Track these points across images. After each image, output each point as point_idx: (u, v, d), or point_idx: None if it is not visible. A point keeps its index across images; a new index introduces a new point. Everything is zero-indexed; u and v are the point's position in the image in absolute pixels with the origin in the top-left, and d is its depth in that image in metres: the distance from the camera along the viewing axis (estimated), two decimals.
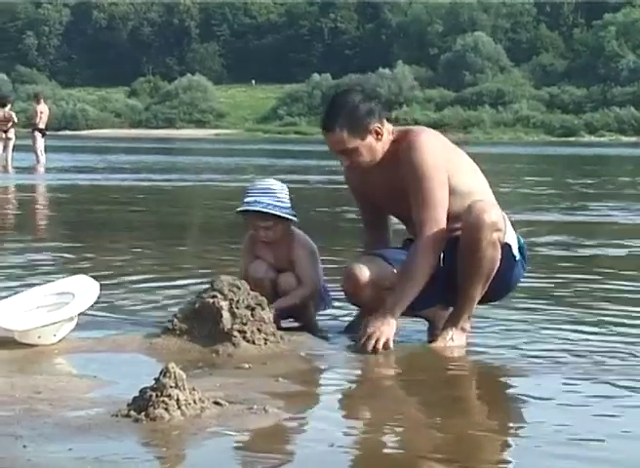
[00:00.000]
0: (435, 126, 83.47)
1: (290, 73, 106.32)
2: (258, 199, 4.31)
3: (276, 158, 30.68)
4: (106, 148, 39.29)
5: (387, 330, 3.96)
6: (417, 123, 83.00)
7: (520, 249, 4.24)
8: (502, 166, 25.50)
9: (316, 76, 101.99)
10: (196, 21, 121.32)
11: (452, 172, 4.08)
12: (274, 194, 4.34)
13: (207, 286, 4.03)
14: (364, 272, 4.13)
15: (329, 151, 4.19)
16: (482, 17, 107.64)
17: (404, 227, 4.40)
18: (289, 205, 4.37)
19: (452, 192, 4.07)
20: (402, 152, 4.06)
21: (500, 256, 4.04)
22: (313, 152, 35.62)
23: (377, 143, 4.11)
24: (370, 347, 3.92)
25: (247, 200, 4.34)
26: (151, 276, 6.11)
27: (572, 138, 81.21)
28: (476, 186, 4.17)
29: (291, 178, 15.43)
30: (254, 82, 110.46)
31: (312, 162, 27.15)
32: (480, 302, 4.26)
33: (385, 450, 2.79)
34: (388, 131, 4.15)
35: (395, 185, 4.09)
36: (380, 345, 3.93)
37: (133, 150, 36.39)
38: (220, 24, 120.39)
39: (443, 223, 4.00)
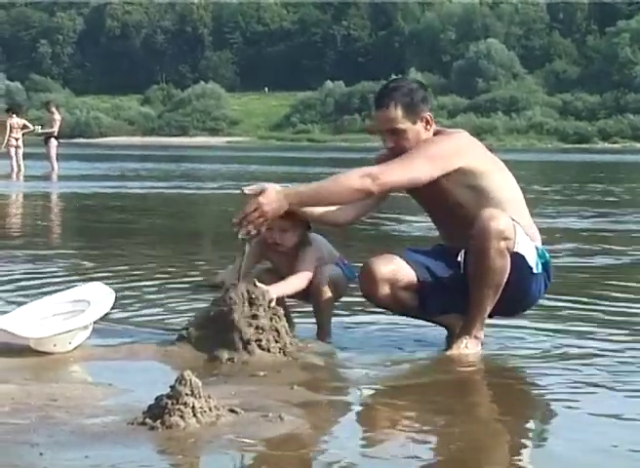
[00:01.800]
0: None
1: (303, 80, 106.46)
2: None
3: (285, 165, 30.69)
4: (120, 156, 39.36)
5: (273, 212, 3.92)
6: None
7: (545, 264, 4.19)
8: None
9: (329, 83, 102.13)
10: (209, 29, 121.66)
11: (482, 171, 4.07)
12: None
13: (222, 293, 4.03)
14: (381, 269, 4.13)
15: (375, 128, 4.16)
16: (495, 24, 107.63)
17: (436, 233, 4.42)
18: None
19: (485, 196, 4.07)
20: None
21: (509, 266, 4.01)
22: (322, 159, 35.65)
23: (424, 133, 4.12)
24: (244, 221, 3.91)
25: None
26: (167, 283, 6.12)
27: (585, 145, 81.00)
28: (507, 195, 4.14)
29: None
30: (267, 89, 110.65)
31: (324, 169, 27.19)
32: (498, 315, 4.26)
33: (401, 458, 2.79)
34: (434, 129, 4.17)
35: (431, 183, 4.06)
36: (253, 224, 3.91)
37: (145, 158, 36.47)
38: (233, 32, 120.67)
39: (385, 184, 3.95)
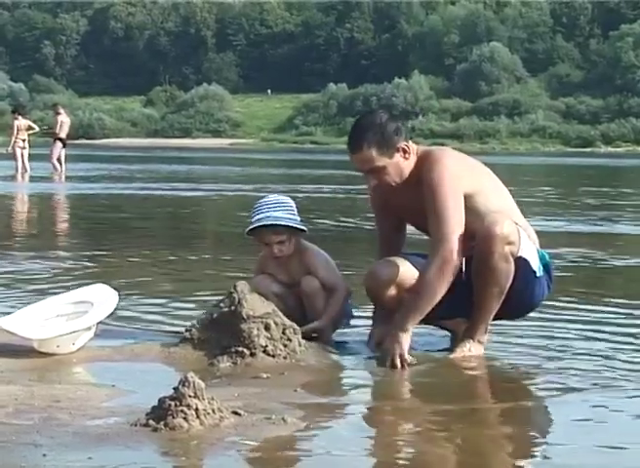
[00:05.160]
0: (451, 136, 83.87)
1: (306, 83, 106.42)
2: (268, 214, 4.30)
3: (291, 168, 30.69)
4: (123, 157, 39.37)
5: (398, 347, 3.97)
6: (432, 133, 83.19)
7: (545, 266, 4.21)
8: None
9: (332, 86, 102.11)
10: (212, 31, 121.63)
11: (475, 192, 4.07)
12: (284, 207, 4.34)
13: (225, 295, 4.04)
14: (387, 270, 4.15)
15: (354, 169, 4.17)
16: (498, 27, 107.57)
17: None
18: (298, 217, 4.38)
19: (474, 212, 4.05)
20: (424, 173, 4.06)
21: (513, 270, 4.02)
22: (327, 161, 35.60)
23: (404, 162, 4.11)
24: (388, 365, 3.94)
25: (257, 217, 4.32)
26: (170, 285, 6.13)
27: (588, 149, 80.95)
28: (500, 205, 4.15)
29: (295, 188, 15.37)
30: (270, 92, 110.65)
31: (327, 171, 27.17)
32: (502, 318, 4.28)
33: (404, 461, 2.79)
34: (413, 150, 4.15)
35: (420, 203, 4.07)
36: (397, 363, 3.93)
37: (149, 159, 36.49)
38: (237, 34, 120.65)
39: (455, 243, 3.96)
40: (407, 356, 3.94)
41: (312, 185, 18.80)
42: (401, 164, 4.11)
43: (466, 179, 4.07)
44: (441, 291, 3.98)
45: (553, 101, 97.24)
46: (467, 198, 4.06)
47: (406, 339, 3.99)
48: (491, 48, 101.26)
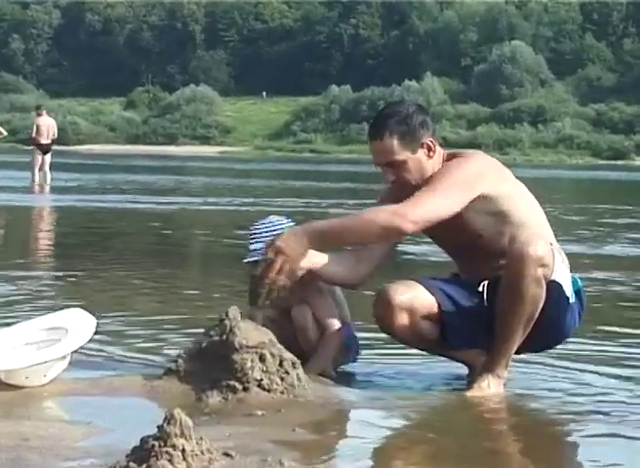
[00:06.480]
0: (467, 146, 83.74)
1: (305, 85, 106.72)
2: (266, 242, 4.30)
3: (285, 180, 30.73)
4: (101, 166, 39.43)
5: (298, 255, 3.97)
6: (446, 142, 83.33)
7: (577, 292, 4.22)
8: None
9: (334, 88, 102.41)
10: (201, 26, 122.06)
11: (500, 194, 4.09)
12: (281, 232, 4.34)
13: (215, 322, 4.04)
14: (399, 294, 4.12)
15: (373, 165, 4.18)
16: (521, 24, 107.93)
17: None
18: None
19: (505, 220, 4.09)
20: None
21: (544, 296, 4.02)
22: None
23: (427, 161, 4.13)
24: (271, 274, 3.96)
25: (254, 247, 4.33)
26: (154, 310, 6.13)
27: (621, 162, 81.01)
28: (532, 219, 4.16)
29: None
30: (265, 94, 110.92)
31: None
32: (527, 351, 4.27)
33: None
34: (439, 152, 4.17)
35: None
36: (282, 275, 3.95)
37: (129, 169, 36.53)
38: (229, 29, 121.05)
39: (422, 214, 3.94)
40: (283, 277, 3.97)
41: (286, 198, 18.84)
42: (424, 161, 4.12)
43: (490, 179, 4.09)
44: (369, 232, 3.96)
45: (582, 108, 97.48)
46: (492, 200, 4.07)
47: (306, 249, 3.98)
48: (512, 47, 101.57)
